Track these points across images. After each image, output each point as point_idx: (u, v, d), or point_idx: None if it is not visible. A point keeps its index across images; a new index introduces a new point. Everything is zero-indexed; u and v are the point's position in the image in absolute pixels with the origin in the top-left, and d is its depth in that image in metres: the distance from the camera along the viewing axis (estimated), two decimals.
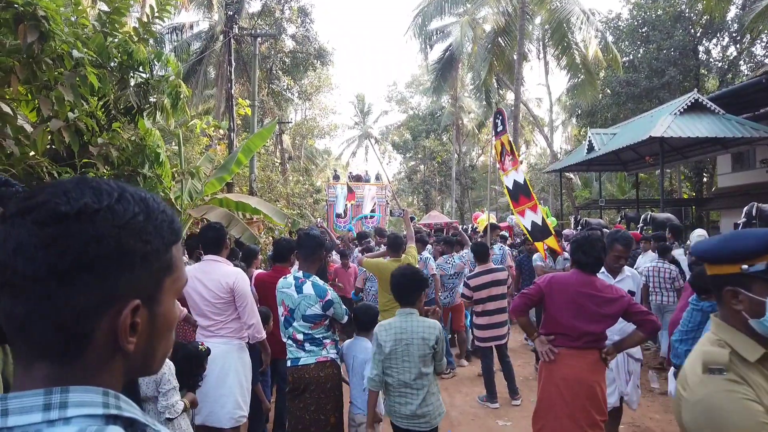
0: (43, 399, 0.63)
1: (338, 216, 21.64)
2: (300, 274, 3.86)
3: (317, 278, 3.87)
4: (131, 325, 0.69)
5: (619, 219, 16.74)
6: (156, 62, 5.84)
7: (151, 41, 5.59)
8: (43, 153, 4.43)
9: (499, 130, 8.29)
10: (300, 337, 3.76)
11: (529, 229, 7.67)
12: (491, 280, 6.32)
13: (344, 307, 3.91)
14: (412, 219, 14.50)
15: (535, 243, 7.77)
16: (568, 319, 3.42)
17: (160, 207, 0.75)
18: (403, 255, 5.64)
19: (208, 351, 3.61)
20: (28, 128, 4.43)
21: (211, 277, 4.00)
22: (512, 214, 18.88)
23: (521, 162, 8.34)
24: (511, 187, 7.92)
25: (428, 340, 3.36)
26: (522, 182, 7.85)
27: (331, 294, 3.80)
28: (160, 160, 5.78)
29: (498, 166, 8.21)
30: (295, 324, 3.78)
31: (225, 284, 3.97)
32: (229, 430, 4.00)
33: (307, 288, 3.77)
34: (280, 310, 3.89)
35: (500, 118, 8.33)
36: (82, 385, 0.66)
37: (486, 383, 6.19)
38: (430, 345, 3.37)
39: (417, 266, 5.64)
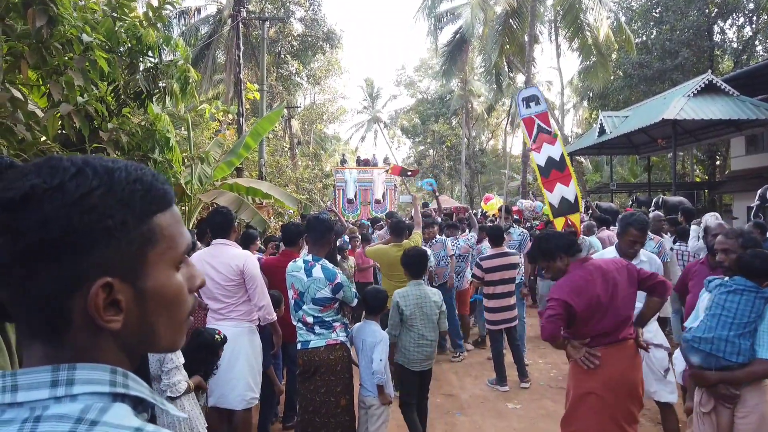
0: (50, 376, 0.64)
1: (349, 201, 21.62)
2: (309, 257, 3.88)
3: (327, 261, 3.87)
4: (114, 303, 0.68)
5: (630, 203, 16.62)
6: (165, 47, 5.83)
7: (159, 26, 5.58)
8: (54, 138, 4.45)
9: (525, 112, 8.05)
10: (310, 320, 3.79)
11: (556, 204, 7.49)
12: (504, 263, 6.28)
13: (354, 290, 3.91)
14: (425, 205, 14.42)
15: (555, 219, 7.61)
16: (599, 319, 3.04)
17: (131, 176, 0.70)
18: (405, 240, 5.66)
19: (224, 339, 3.63)
20: (40, 114, 4.44)
21: (220, 260, 4.03)
22: (522, 198, 18.79)
23: (556, 136, 8.00)
24: (543, 164, 7.74)
25: (437, 302, 4.46)
26: (558, 157, 7.69)
27: (341, 277, 3.81)
28: (170, 145, 5.80)
29: (530, 146, 7.99)
30: (304, 307, 3.80)
31: (235, 267, 4.00)
32: (240, 411, 4.05)
33: (317, 271, 3.78)
34: (290, 293, 3.91)
35: (534, 99, 8.09)
36: (90, 363, 0.66)
37: (495, 366, 6.16)
38: (438, 305, 4.46)
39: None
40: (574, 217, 7.47)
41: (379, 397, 3.95)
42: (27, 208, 0.64)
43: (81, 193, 0.65)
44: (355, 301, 3.92)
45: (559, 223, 7.58)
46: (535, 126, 7.92)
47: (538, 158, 7.83)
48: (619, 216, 4.10)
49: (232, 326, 4.01)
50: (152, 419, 0.78)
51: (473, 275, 6.49)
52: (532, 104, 8.05)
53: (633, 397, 3.11)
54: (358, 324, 4.21)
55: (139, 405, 0.70)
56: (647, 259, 4.16)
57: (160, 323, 0.73)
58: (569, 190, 7.54)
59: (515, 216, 11.42)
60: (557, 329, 3.03)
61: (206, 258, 4.07)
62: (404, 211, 24.51)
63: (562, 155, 7.68)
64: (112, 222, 0.66)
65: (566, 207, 7.49)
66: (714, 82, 14.60)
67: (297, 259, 4.03)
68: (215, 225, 4.21)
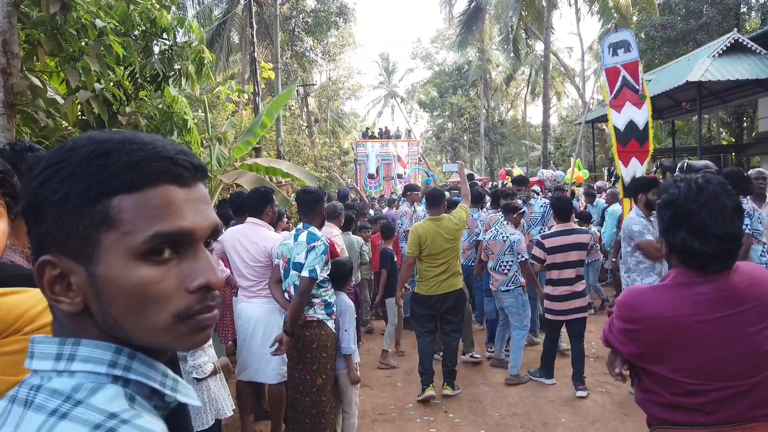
0: (56, 348, 0.65)
1: (371, 176, 21.38)
2: (301, 225, 3.84)
3: (315, 229, 3.80)
4: (68, 284, 0.66)
5: (655, 169, 16.28)
6: (179, 29, 5.84)
7: (173, 8, 5.59)
8: (74, 124, 4.52)
9: (610, 61, 6.78)
10: (293, 290, 3.68)
11: (627, 181, 6.46)
12: (572, 242, 5.18)
13: (324, 264, 3.64)
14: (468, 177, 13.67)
15: (624, 199, 6.55)
16: (696, 370, 1.67)
17: (99, 150, 0.65)
18: (446, 215, 5.00)
19: None
20: (60, 100, 4.50)
21: (250, 239, 4.12)
22: (543, 168, 18.51)
23: (644, 98, 6.61)
24: (622, 129, 6.55)
25: (358, 245, 6.27)
26: (642, 125, 6.49)
27: (319, 243, 3.62)
28: (188, 127, 5.85)
29: (608, 100, 6.79)
30: (291, 274, 3.73)
31: (263, 249, 4.07)
32: (274, 385, 4.17)
33: (303, 236, 3.72)
34: (280, 262, 3.83)
35: (624, 45, 6.72)
36: (95, 340, 0.66)
37: (544, 357, 5.36)
38: (359, 246, 6.39)
39: (461, 228, 5.03)
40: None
41: (348, 369, 3.93)
42: (22, 180, 0.70)
43: (42, 168, 0.66)
44: (307, 272, 3.54)
45: (626, 206, 6.50)
46: (620, 78, 6.65)
47: (617, 119, 6.55)
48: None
49: (263, 303, 4.09)
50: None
51: (533, 256, 5.37)
52: (621, 51, 6.74)
53: None
54: None
55: (154, 394, 0.69)
56: None
57: (125, 318, 0.65)
58: (641, 170, 6.44)
59: (536, 187, 10.91)
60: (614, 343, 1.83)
61: (238, 236, 4.16)
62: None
63: (647, 125, 6.49)
64: (56, 197, 0.64)
65: (634, 188, 6.14)
66: (740, 40, 14.10)
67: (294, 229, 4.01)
68: (251, 203, 4.28)
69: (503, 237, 5.58)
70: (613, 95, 6.64)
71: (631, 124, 6.51)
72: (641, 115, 6.49)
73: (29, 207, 0.66)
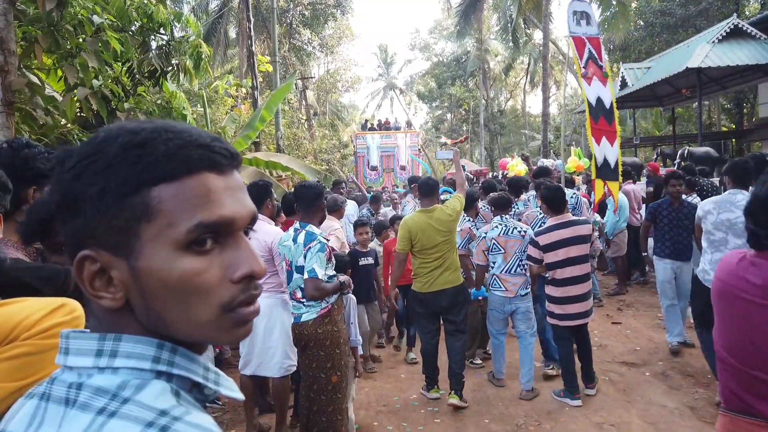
0: (96, 344, 0.63)
1: (373, 168, 21.30)
2: (298, 225, 3.73)
3: (314, 227, 3.69)
4: (108, 279, 0.64)
5: (655, 157, 16.25)
6: (176, 23, 5.82)
7: (168, 2, 5.57)
8: (73, 121, 4.51)
9: (575, 30, 6.45)
10: (299, 294, 3.61)
11: (599, 162, 6.11)
12: (570, 236, 4.54)
13: (324, 264, 3.52)
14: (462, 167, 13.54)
15: (596, 179, 6.15)
16: None
17: (135, 140, 0.63)
18: (439, 206, 4.64)
19: None
20: (58, 98, 4.50)
21: (251, 234, 4.08)
22: (543, 158, 18.44)
23: (608, 76, 6.39)
24: (593, 103, 6.25)
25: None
26: (607, 104, 6.22)
27: (315, 243, 3.52)
28: (187, 122, 5.84)
29: (581, 69, 6.38)
30: (295, 277, 3.62)
31: (263, 243, 4.06)
32: (277, 379, 4.17)
33: (301, 237, 3.59)
34: (283, 265, 3.74)
35: (585, 16, 6.47)
36: (136, 335, 0.65)
37: (564, 375, 4.68)
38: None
39: (455, 219, 4.66)
40: (613, 185, 5.92)
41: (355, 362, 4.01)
42: (53, 175, 0.67)
43: (75, 162, 0.64)
44: (306, 274, 3.46)
45: (599, 187, 6.12)
46: (586, 50, 6.37)
47: (589, 92, 6.25)
48: None
49: (265, 297, 4.07)
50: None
51: (529, 256, 4.76)
52: (583, 23, 6.47)
53: None
54: None
55: (195, 387, 0.68)
56: None
57: (170, 312, 0.64)
58: (612, 152, 6.07)
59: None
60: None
61: None
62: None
63: (612, 105, 6.26)
64: (93, 190, 0.62)
65: (605, 171, 5.94)
66: (740, 26, 14.04)
67: (290, 228, 3.87)
68: (251, 197, 4.25)
69: (520, 232, 4.93)
70: (583, 64, 6.39)
71: (599, 101, 6.27)
72: (606, 94, 6.27)
73: (62, 202, 0.64)
